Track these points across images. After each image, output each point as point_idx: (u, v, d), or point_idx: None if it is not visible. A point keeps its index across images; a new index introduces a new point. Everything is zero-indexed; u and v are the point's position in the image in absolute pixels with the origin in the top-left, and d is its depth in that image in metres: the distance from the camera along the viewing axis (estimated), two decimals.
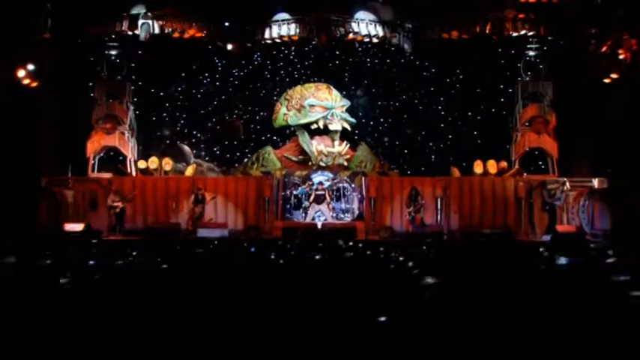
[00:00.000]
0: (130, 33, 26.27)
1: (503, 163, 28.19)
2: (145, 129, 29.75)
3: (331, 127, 28.75)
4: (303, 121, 28.96)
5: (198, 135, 30.34)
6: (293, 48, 29.57)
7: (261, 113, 30.22)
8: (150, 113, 29.97)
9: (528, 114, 28.60)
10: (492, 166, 28.06)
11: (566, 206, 25.75)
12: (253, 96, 30.27)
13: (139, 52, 28.71)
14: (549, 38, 27.64)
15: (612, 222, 24.73)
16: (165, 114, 30.07)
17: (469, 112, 30.11)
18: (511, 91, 29.44)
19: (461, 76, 30.11)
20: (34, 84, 24.48)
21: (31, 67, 24.11)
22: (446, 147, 30.10)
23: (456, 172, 28.26)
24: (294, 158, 29.23)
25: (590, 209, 25.25)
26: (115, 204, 24.94)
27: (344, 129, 29.29)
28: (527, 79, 28.95)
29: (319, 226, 25.34)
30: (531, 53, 28.73)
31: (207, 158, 30.11)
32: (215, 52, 28.97)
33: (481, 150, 29.12)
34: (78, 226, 23.54)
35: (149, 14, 26.09)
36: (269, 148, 29.46)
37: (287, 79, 30.01)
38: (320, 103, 28.83)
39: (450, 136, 30.14)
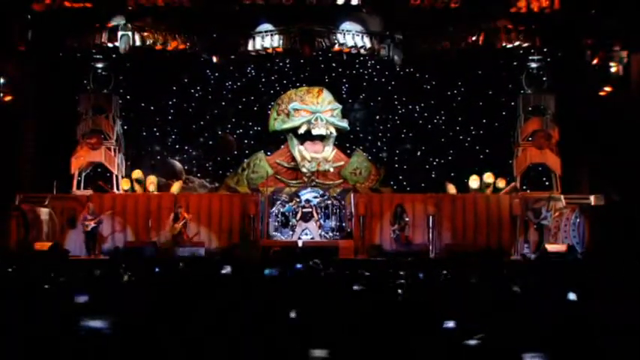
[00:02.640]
0: (110, 45, 25.40)
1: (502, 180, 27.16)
2: (135, 144, 29.01)
3: (314, 132, 27.68)
4: (287, 125, 28.09)
5: (190, 150, 29.54)
6: (288, 60, 28.81)
7: (255, 128, 29.39)
8: (140, 128, 29.22)
9: (530, 128, 27.52)
10: (489, 177, 26.97)
11: (558, 224, 24.63)
12: (247, 109, 29.42)
13: (127, 64, 27.98)
14: (548, 50, 26.54)
15: (591, 238, 23.55)
16: (155, 129, 29.28)
17: (471, 127, 29.05)
18: (513, 104, 28.33)
19: (462, 89, 29.05)
20: (8, 98, 23.85)
21: (1, 80, 23.46)
22: (447, 162, 29.05)
23: (451, 189, 27.22)
24: (285, 164, 28.47)
25: (581, 227, 24.02)
26: (87, 222, 24.23)
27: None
28: (529, 91, 27.76)
29: (300, 244, 24.34)
30: (533, 65, 27.60)
31: (198, 174, 29.33)
32: (207, 65, 28.17)
33: (483, 166, 28.06)
34: (46, 245, 22.86)
35: (128, 26, 25.25)
36: (260, 155, 28.72)
37: (282, 93, 29.05)
38: (304, 107, 27.89)
39: (451, 151, 29.07)
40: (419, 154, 29.37)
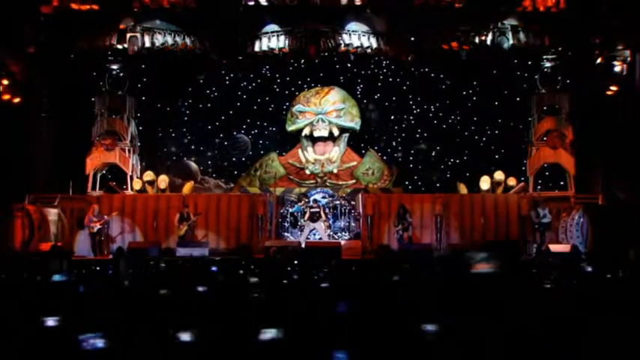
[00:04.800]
0: (119, 47, 25.69)
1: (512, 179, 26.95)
2: (150, 145, 29.27)
3: (316, 134, 28.17)
4: (293, 127, 28.57)
5: (205, 151, 29.73)
6: (302, 61, 28.86)
7: (271, 128, 29.51)
8: (155, 129, 29.49)
9: (544, 128, 27.25)
10: (500, 174, 26.83)
11: (565, 224, 24.30)
12: (262, 110, 29.54)
13: (142, 66, 28.34)
14: (562, 49, 26.26)
15: (594, 238, 23.20)
16: (170, 129, 29.54)
17: (486, 126, 28.87)
18: (528, 104, 28.07)
19: (477, 89, 28.88)
20: (17, 99, 24.20)
21: (5, 82, 23.84)
22: (461, 162, 28.90)
23: (463, 189, 27.07)
24: (297, 165, 28.78)
25: (584, 227, 23.68)
26: (92, 224, 24.43)
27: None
28: (544, 91, 27.51)
29: (303, 244, 24.31)
30: (547, 65, 27.34)
31: (214, 175, 29.51)
32: (222, 66, 28.34)
33: (497, 166, 27.85)
34: (49, 246, 23.05)
35: (137, 27, 25.51)
36: (273, 155, 29.03)
37: (297, 93, 29.17)
38: (307, 109, 28.29)
39: (466, 151, 28.90)
40: (433, 154, 29.24)
